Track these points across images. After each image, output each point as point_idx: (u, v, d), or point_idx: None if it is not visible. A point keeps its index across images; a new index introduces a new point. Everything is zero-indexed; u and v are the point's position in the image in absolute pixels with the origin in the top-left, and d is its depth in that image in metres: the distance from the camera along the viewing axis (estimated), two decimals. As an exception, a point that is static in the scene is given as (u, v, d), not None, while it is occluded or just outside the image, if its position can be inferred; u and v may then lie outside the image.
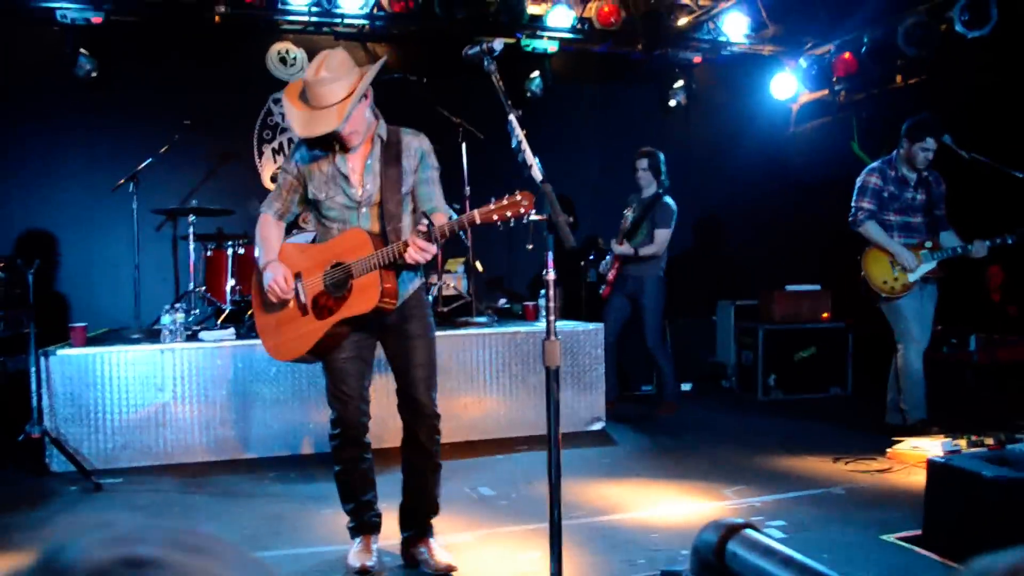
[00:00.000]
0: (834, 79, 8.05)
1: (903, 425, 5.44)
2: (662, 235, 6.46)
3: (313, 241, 3.54)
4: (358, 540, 3.58)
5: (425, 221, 3.07)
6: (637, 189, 6.70)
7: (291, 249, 3.40)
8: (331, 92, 3.10)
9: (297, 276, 3.33)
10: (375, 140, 3.34)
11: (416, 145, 3.38)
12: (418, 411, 3.43)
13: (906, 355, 5.44)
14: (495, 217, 2.95)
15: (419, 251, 3.07)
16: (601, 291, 6.76)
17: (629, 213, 6.60)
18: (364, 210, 3.32)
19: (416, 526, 3.58)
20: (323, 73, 3.09)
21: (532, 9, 7.64)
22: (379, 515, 3.65)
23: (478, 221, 2.99)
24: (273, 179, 7.59)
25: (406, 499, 3.59)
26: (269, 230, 3.41)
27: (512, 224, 2.95)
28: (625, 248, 6.50)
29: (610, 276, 6.66)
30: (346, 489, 3.56)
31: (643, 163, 6.60)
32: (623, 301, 6.66)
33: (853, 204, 5.48)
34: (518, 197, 2.91)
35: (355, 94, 3.11)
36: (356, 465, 3.51)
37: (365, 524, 3.58)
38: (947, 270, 5.45)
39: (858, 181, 5.51)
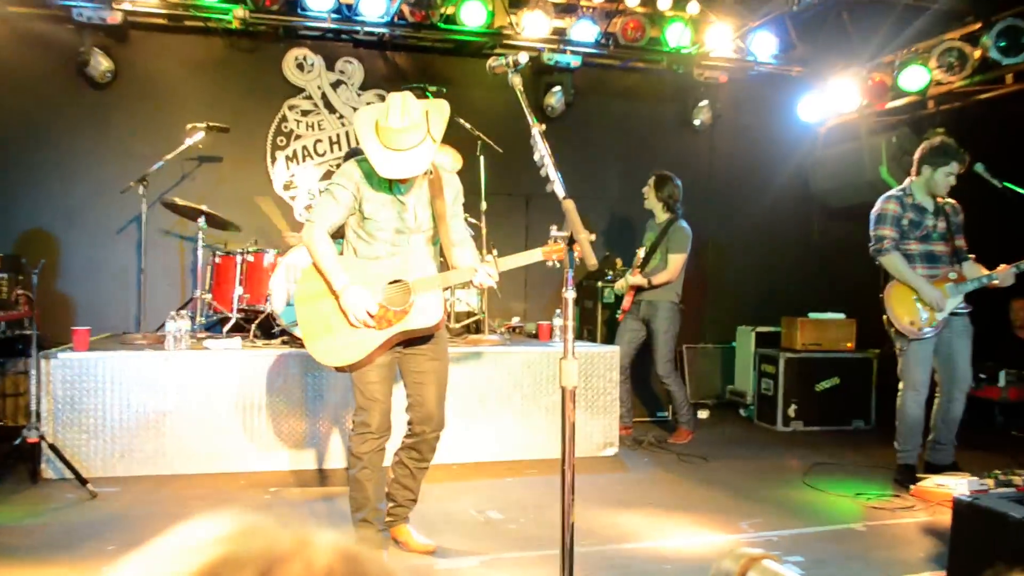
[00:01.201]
0: (864, 103, 8.02)
1: (934, 464, 5.35)
2: (676, 260, 6.46)
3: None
4: None
5: (495, 251, 3.65)
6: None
7: (346, 263, 3.71)
8: (410, 138, 3.51)
9: None
10: (425, 174, 3.76)
11: (454, 183, 3.87)
12: (430, 423, 3.83)
13: (904, 398, 5.33)
14: (554, 256, 3.41)
15: (488, 277, 3.58)
16: (618, 315, 6.75)
17: (641, 251, 6.62)
18: (414, 237, 3.74)
19: (397, 514, 4.00)
20: (405, 121, 3.49)
21: (555, 23, 7.65)
22: (388, 532, 3.85)
23: (541, 258, 3.48)
24: (285, 187, 7.63)
25: (392, 492, 3.96)
26: (329, 246, 3.68)
27: (558, 265, 3.29)
28: (639, 279, 6.51)
29: (625, 303, 6.64)
30: (362, 492, 3.73)
31: (651, 181, 6.64)
32: (637, 325, 6.65)
33: (872, 232, 5.36)
34: (561, 246, 3.22)
35: (436, 144, 3.58)
36: (377, 466, 3.73)
37: (374, 539, 3.73)
38: (972, 303, 5.37)
39: (874, 209, 5.43)
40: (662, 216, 6.64)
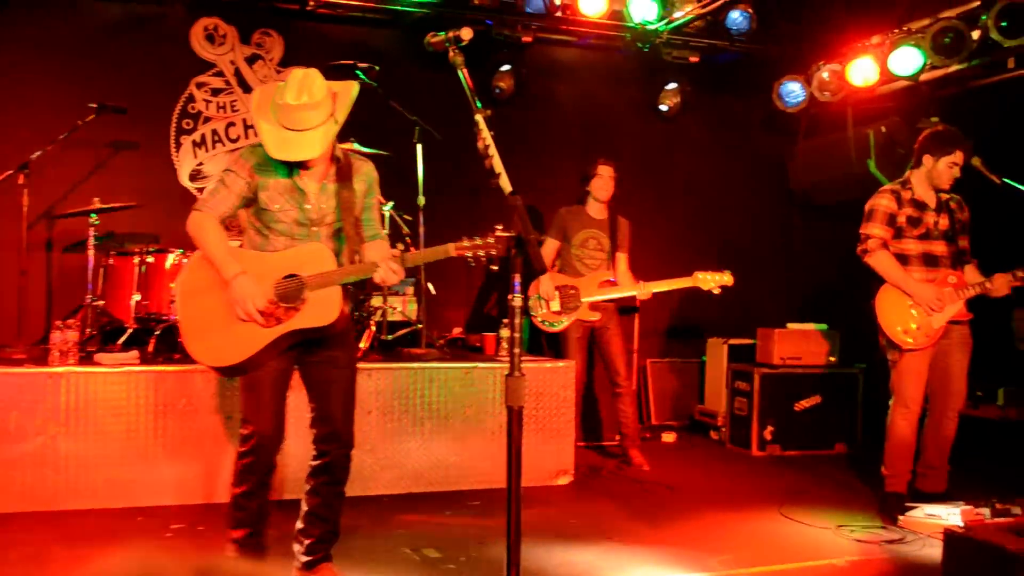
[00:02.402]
0: (850, 88, 8.17)
1: (924, 491, 5.45)
2: (626, 260, 6.59)
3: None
4: None
5: (401, 246, 3.53)
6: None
7: (238, 254, 3.78)
8: (310, 117, 3.59)
9: None
10: (332, 160, 3.84)
11: (367, 171, 3.96)
12: (337, 440, 3.89)
13: (893, 416, 5.43)
14: (469, 254, 3.56)
15: (392, 273, 3.66)
16: (550, 325, 6.69)
17: (593, 251, 6.69)
18: (315, 229, 3.81)
19: (318, 552, 3.97)
20: (305, 98, 3.57)
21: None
22: (267, 548, 3.95)
23: (453, 254, 3.60)
24: (192, 177, 7.55)
25: (308, 527, 3.96)
26: (218, 234, 3.74)
27: (485, 262, 3.52)
28: (644, 289, 6.53)
29: (596, 317, 6.64)
30: (244, 514, 3.84)
31: (611, 171, 6.72)
32: (583, 334, 6.69)
33: (861, 231, 5.47)
34: (492, 240, 3.51)
35: (337, 127, 3.67)
36: (263, 487, 3.83)
37: (253, 554, 3.83)
38: (972, 312, 5.49)
39: (867, 204, 5.53)
40: (604, 211, 6.75)
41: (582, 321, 6.64)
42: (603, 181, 6.69)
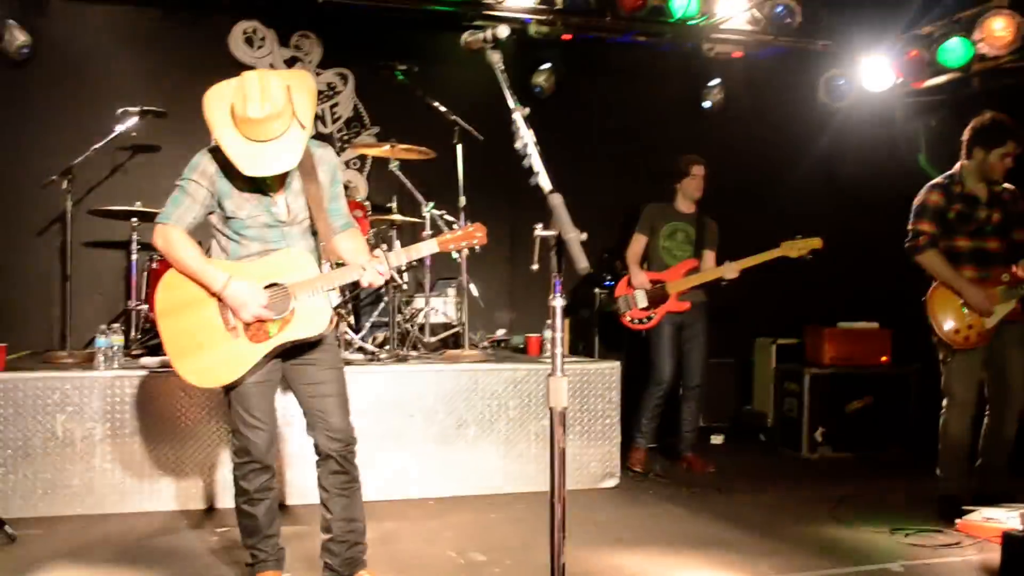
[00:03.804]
0: (898, 81, 8.09)
1: (982, 493, 5.37)
2: (713, 258, 6.59)
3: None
4: None
5: (384, 246, 3.61)
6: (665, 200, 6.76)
7: (217, 265, 3.70)
8: (277, 127, 3.50)
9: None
10: None
11: (328, 158, 3.85)
12: (340, 439, 3.80)
13: (948, 418, 5.36)
14: (451, 247, 3.72)
15: (378, 276, 3.65)
16: (639, 322, 6.68)
17: (681, 243, 6.71)
18: (287, 229, 3.75)
19: (352, 558, 3.90)
20: (267, 108, 3.46)
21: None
22: (283, 549, 3.96)
23: (438, 249, 3.72)
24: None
25: (337, 532, 3.87)
26: (192, 246, 3.67)
27: (469, 251, 3.61)
28: (732, 270, 6.59)
29: (683, 303, 6.63)
30: (252, 522, 3.85)
31: (703, 171, 6.74)
32: (673, 331, 6.69)
33: (910, 227, 5.40)
34: (471, 228, 3.72)
35: (307, 130, 3.56)
36: (265, 495, 3.84)
37: (271, 560, 3.89)
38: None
39: (916, 200, 5.45)
40: (693, 207, 6.79)
41: (672, 313, 6.63)
42: (697, 181, 6.73)
